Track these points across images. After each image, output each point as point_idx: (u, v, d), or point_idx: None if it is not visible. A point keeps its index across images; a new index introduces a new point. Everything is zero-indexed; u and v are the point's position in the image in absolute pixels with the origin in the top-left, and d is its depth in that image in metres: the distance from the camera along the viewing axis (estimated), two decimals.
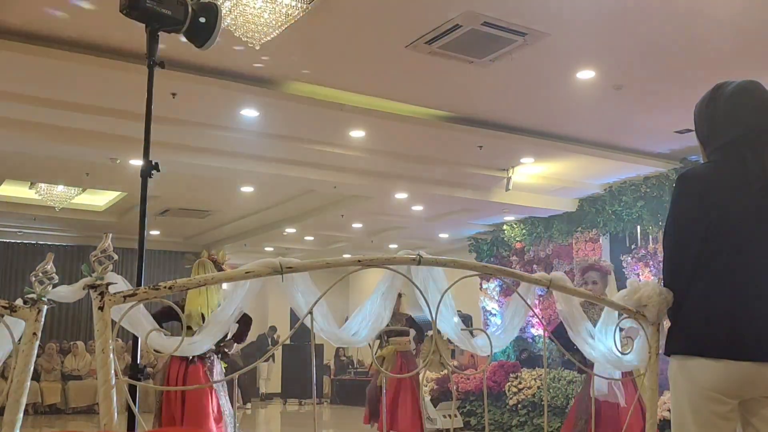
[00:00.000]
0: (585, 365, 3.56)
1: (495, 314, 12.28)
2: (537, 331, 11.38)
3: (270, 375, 16.26)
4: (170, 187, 9.97)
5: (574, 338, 2.80)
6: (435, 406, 10.07)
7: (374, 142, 8.16)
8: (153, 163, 2.51)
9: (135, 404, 2.27)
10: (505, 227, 12.42)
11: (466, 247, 13.42)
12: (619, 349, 2.73)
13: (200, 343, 2.51)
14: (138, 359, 2.50)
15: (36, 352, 2.02)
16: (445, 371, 10.18)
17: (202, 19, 2.69)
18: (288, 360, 15.09)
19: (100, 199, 11.98)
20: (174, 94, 6.45)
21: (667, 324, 2.47)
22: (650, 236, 9.77)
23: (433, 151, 8.50)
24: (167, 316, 4.44)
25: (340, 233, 13.83)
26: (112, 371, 2.01)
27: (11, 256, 14.65)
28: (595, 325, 2.84)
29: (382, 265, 2.47)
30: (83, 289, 2.06)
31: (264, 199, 11.17)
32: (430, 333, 10.95)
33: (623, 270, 9.99)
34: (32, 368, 2.01)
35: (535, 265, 11.62)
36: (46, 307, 2.02)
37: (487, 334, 2.82)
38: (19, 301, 2.00)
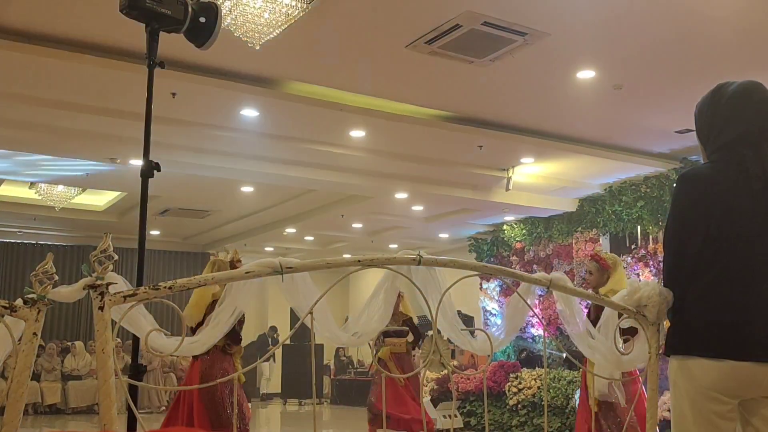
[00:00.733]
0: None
1: (495, 314, 12.28)
2: (537, 331, 11.37)
3: (271, 375, 16.26)
4: (170, 187, 9.97)
5: (573, 338, 2.80)
6: (435, 406, 10.06)
7: (374, 142, 8.16)
8: (153, 163, 2.51)
9: (135, 404, 2.26)
10: (505, 227, 12.42)
11: (466, 247, 13.42)
12: (619, 349, 2.73)
13: (200, 343, 2.51)
14: (138, 359, 2.50)
15: (36, 352, 2.02)
16: (445, 371, 10.18)
17: (202, 19, 2.69)
18: (288, 360, 15.09)
19: (100, 199, 11.98)
20: (174, 94, 6.45)
21: (667, 324, 2.47)
22: (650, 236, 9.77)
23: (433, 151, 8.50)
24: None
25: (340, 233, 13.83)
26: (112, 371, 2.01)
27: (11, 256, 14.65)
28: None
29: (382, 265, 2.47)
30: (83, 289, 2.06)
31: (264, 199, 11.17)
32: (430, 333, 10.95)
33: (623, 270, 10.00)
34: (32, 368, 2.00)
35: (535, 265, 11.62)
36: (46, 307, 2.02)
37: (487, 334, 2.82)
38: (19, 301, 2.00)
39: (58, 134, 7.42)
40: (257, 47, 5.09)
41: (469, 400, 10.38)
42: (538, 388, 9.56)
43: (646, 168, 9.34)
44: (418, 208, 11.34)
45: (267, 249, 15.47)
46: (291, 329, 2.68)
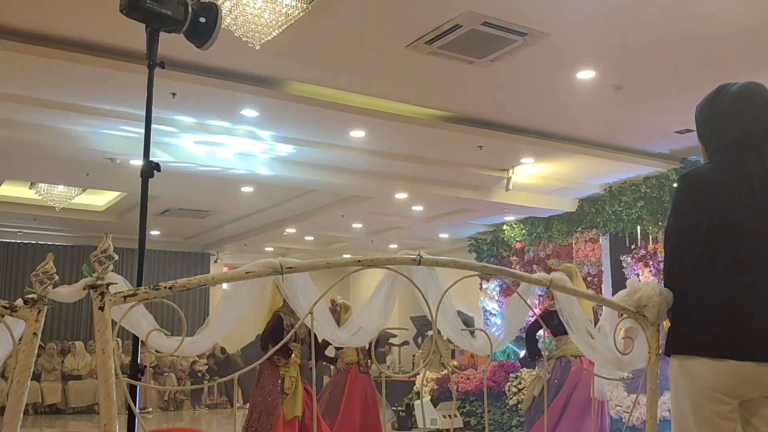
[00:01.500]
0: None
1: (495, 314, 12.28)
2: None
3: None
4: (170, 187, 9.96)
5: (573, 337, 2.80)
6: (435, 406, 10.06)
7: (374, 142, 8.16)
8: (153, 163, 2.51)
9: (135, 404, 2.27)
10: (505, 227, 12.42)
11: (466, 247, 13.42)
12: (619, 349, 2.73)
13: (200, 343, 2.51)
14: (138, 359, 2.51)
15: (36, 352, 2.02)
16: (445, 371, 10.19)
17: (202, 19, 2.69)
18: None
19: (100, 199, 11.98)
20: (174, 94, 6.45)
21: (667, 324, 2.47)
22: (650, 236, 9.77)
23: (433, 151, 8.50)
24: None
25: (340, 233, 13.82)
26: (113, 371, 2.01)
27: (11, 256, 14.65)
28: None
29: (382, 266, 2.47)
30: (83, 289, 2.06)
31: (264, 199, 11.17)
32: (430, 333, 10.96)
33: (623, 270, 10.00)
34: (32, 368, 2.01)
35: (535, 265, 11.62)
36: (46, 307, 2.02)
37: (487, 334, 2.82)
38: (19, 302, 2.00)
39: (58, 134, 7.41)
40: (257, 47, 5.09)
41: (469, 400, 10.37)
42: None
43: (646, 168, 9.34)
44: (418, 208, 11.34)
45: (267, 249, 15.46)
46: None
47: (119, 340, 10.99)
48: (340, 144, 8.15)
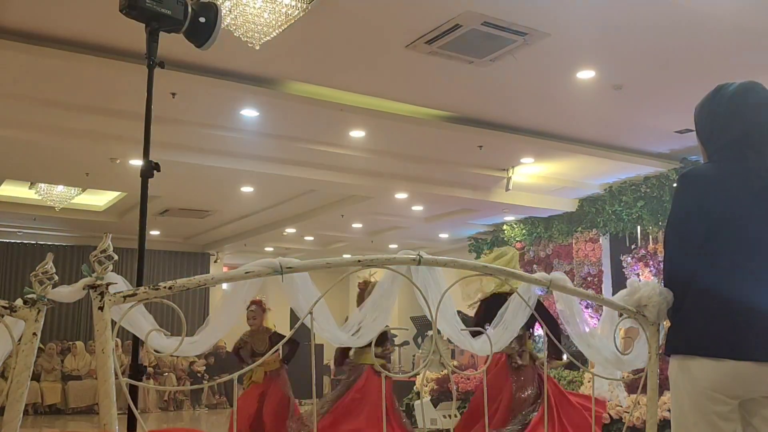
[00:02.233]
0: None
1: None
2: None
3: None
4: (170, 187, 9.96)
5: (573, 337, 2.80)
6: (435, 406, 10.06)
7: (374, 142, 8.16)
8: (153, 163, 2.51)
9: (135, 404, 2.26)
10: (505, 227, 12.41)
11: (466, 247, 13.41)
12: (619, 349, 2.73)
13: (200, 343, 2.51)
14: (138, 359, 2.50)
15: (36, 352, 2.02)
16: (445, 371, 10.18)
17: (202, 19, 2.69)
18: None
19: (100, 199, 11.97)
20: (174, 94, 6.45)
21: (667, 324, 2.47)
22: (650, 236, 9.77)
23: (433, 151, 8.50)
24: None
25: (340, 233, 13.82)
26: (112, 371, 2.01)
27: (11, 256, 14.65)
28: None
29: (382, 265, 2.47)
30: (83, 289, 2.06)
31: (264, 199, 11.17)
32: (429, 333, 10.95)
33: (623, 270, 10.00)
34: (32, 368, 2.00)
35: (535, 265, 11.61)
36: (45, 307, 2.02)
37: (487, 335, 2.82)
38: (19, 301, 2.00)
39: (58, 134, 7.41)
40: (257, 47, 5.09)
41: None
42: None
43: (646, 168, 9.34)
44: (418, 208, 11.34)
45: (267, 249, 15.46)
46: (291, 329, 2.68)
47: (119, 340, 11.02)
48: (340, 144, 8.15)
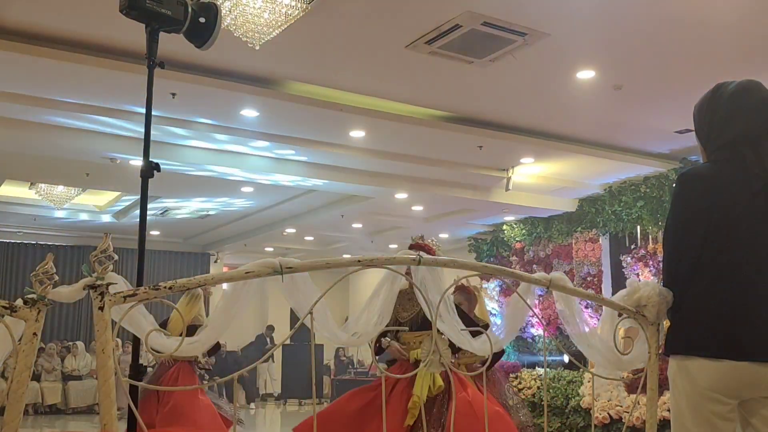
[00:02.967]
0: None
1: (495, 314, 12.28)
2: (537, 331, 11.38)
3: (275, 375, 16.18)
4: (170, 188, 9.96)
5: (573, 338, 2.80)
6: None
7: (374, 142, 8.16)
8: (153, 163, 2.51)
9: (135, 404, 2.26)
10: (505, 227, 12.41)
11: (466, 247, 13.41)
12: (619, 349, 2.73)
13: (200, 343, 2.51)
14: (138, 359, 2.50)
15: (36, 352, 2.02)
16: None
17: (202, 19, 2.69)
18: (288, 360, 15.09)
19: (100, 199, 11.97)
20: (174, 94, 6.45)
21: (666, 324, 2.47)
22: (650, 236, 9.77)
23: (433, 151, 8.50)
24: None
25: (340, 233, 13.82)
26: (113, 371, 2.01)
27: (11, 256, 14.65)
28: None
29: (382, 265, 2.47)
30: (83, 289, 2.06)
31: (264, 199, 11.17)
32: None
33: (623, 270, 10.00)
34: (32, 368, 2.00)
35: (535, 265, 11.61)
36: (46, 307, 2.02)
37: (487, 335, 2.82)
38: (19, 302, 2.00)
39: (58, 134, 7.41)
40: (257, 47, 5.09)
41: None
42: (538, 388, 9.55)
43: (646, 168, 9.34)
44: (418, 208, 11.34)
45: (267, 249, 15.46)
46: (291, 329, 2.68)
47: (119, 340, 11.01)
48: (340, 144, 8.15)
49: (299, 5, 4.91)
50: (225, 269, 16.04)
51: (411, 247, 4.71)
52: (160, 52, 2.63)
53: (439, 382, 4.33)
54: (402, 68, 6.24)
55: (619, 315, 2.66)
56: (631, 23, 5.37)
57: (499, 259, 12.59)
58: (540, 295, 2.96)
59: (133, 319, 2.23)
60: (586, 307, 8.99)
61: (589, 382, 8.72)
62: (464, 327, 2.76)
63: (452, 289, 2.67)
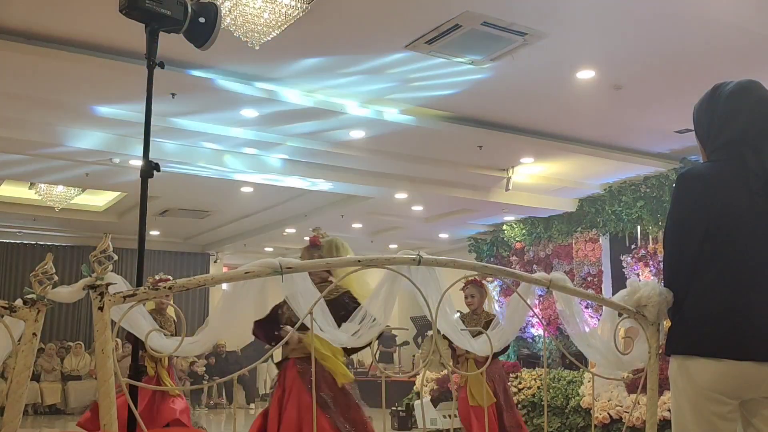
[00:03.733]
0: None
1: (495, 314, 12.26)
2: (537, 331, 11.37)
3: (274, 375, 16.19)
4: (170, 188, 9.96)
5: (573, 338, 2.80)
6: (435, 406, 10.06)
7: (374, 142, 8.16)
8: (153, 163, 2.51)
9: (135, 404, 2.26)
10: (504, 227, 12.41)
11: (466, 247, 13.41)
12: (619, 349, 2.73)
13: (199, 343, 2.51)
14: (138, 359, 2.50)
15: (35, 352, 2.02)
16: (445, 371, 10.18)
17: (202, 19, 2.69)
18: None
19: (100, 199, 11.97)
20: (174, 95, 6.45)
21: (667, 324, 2.47)
22: (650, 236, 9.77)
23: (433, 151, 8.50)
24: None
25: (340, 233, 13.79)
26: (112, 371, 2.01)
27: (11, 256, 14.64)
28: None
29: (382, 266, 2.47)
30: (83, 289, 2.06)
31: (264, 199, 11.17)
32: (430, 333, 10.95)
33: (623, 270, 10.00)
34: (32, 368, 2.00)
35: (535, 265, 11.61)
36: (45, 307, 2.02)
37: (487, 335, 2.81)
38: (18, 302, 2.00)
39: (58, 134, 7.41)
40: (257, 47, 5.09)
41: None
42: (538, 388, 9.55)
43: (645, 168, 9.34)
44: (418, 208, 11.33)
45: (267, 249, 15.46)
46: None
47: (119, 340, 11.01)
48: (340, 144, 8.15)
49: (299, 5, 4.91)
50: (225, 269, 16.04)
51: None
52: (160, 52, 2.63)
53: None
54: (402, 68, 6.23)
55: (620, 315, 2.66)
56: (631, 23, 5.37)
57: (499, 259, 12.58)
58: (540, 295, 2.95)
59: (132, 320, 2.23)
60: (586, 307, 8.99)
61: (589, 382, 8.72)
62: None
63: (453, 289, 2.66)
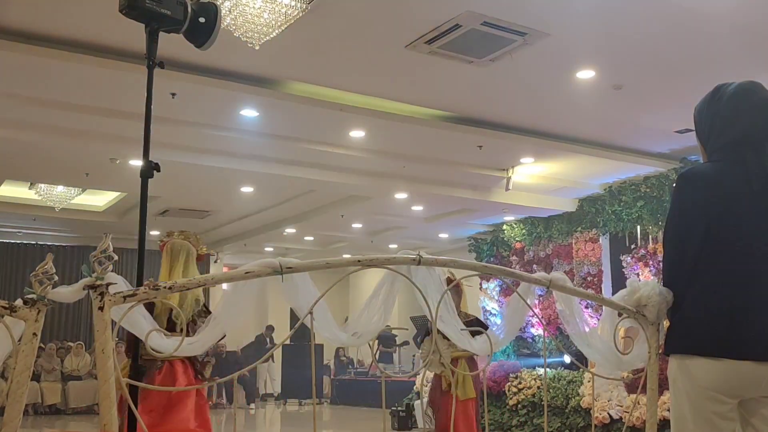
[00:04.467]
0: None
1: (495, 314, 12.28)
2: (537, 331, 11.38)
3: (275, 375, 16.17)
4: (170, 187, 9.96)
5: (573, 337, 2.80)
6: None
7: (374, 142, 8.16)
8: (153, 163, 2.51)
9: (135, 404, 2.26)
10: (505, 227, 12.42)
11: (466, 247, 13.42)
12: (619, 349, 2.73)
13: (200, 343, 2.51)
14: (138, 359, 2.50)
15: (36, 352, 2.02)
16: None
17: (202, 19, 2.69)
18: (288, 360, 15.09)
19: (100, 199, 11.97)
20: (174, 94, 6.45)
21: (666, 324, 2.47)
22: (650, 236, 9.77)
23: (433, 151, 8.50)
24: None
25: (340, 233, 13.82)
26: (113, 371, 2.01)
27: (11, 256, 14.65)
28: None
29: (382, 265, 2.47)
30: (83, 289, 2.06)
31: (264, 199, 11.17)
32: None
33: (623, 270, 10.00)
34: (32, 368, 2.00)
35: (535, 265, 11.61)
36: (45, 307, 2.02)
37: (487, 335, 2.82)
38: (19, 302, 2.00)
39: (58, 134, 7.41)
40: (257, 47, 5.09)
41: None
42: (538, 388, 9.56)
43: (645, 168, 9.34)
44: (418, 208, 11.34)
45: (267, 249, 15.46)
46: (291, 329, 2.68)
47: (117, 339, 10.99)
48: (340, 144, 8.15)
49: (299, 5, 4.91)
50: (225, 269, 16.04)
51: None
52: (160, 52, 2.63)
53: None
54: (402, 68, 6.24)
55: (619, 315, 2.66)
56: (631, 23, 5.37)
57: (499, 259, 12.59)
58: (540, 295, 2.96)
59: (132, 320, 2.23)
60: (586, 307, 8.99)
61: (589, 382, 8.72)
62: None
63: (454, 288, 2.67)
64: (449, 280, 6.06)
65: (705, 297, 2.25)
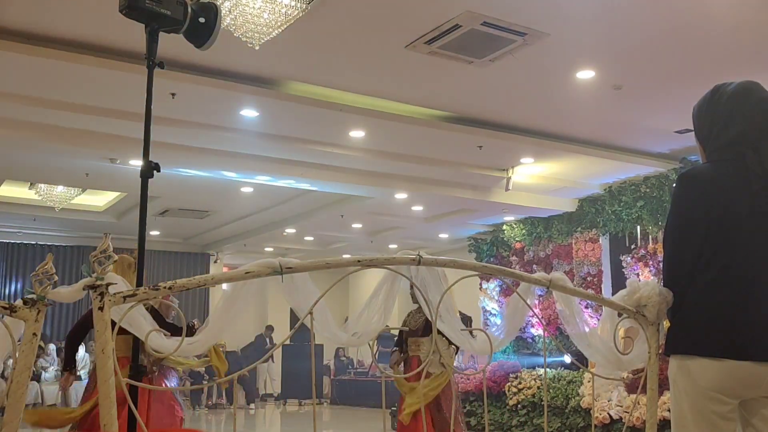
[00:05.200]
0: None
1: (495, 314, 12.28)
2: (537, 331, 11.38)
3: (275, 375, 16.19)
4: (170, 188, 9.96)
5: (573, 338, 2.80)
6: None
7: (374, 142, 8.16)
8: (153, 163, 2.51)
9: (135, 404, 2.26)
10: (504, 227, 12.42)
11: (466, 247, 13.42)
12: (619, 349, 2.73)
13: (200, 343, 2.51)
14: (138, 359, 2.50)
15: (36, 352, 2.02)
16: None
17: (202, 19, 2.69)
18: (288, 360, 15.09)
19: (100, 199, 11.98)
20: (174, 94, 6.45)
21: (666, 324, 2.47)
22: (650, 236, 9.77)
23: (433, 151, 8.50)
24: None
25: (340, 233, 13.82)
26: (112, 371, 2.01)
27: (11, 256, 14.65)
28: None
29: (381, 266, 2.47)
30: (83, 289, 2.06)
31: (264, 199, 11.17)
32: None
33: (623, 270, 10.00)
34: (32, 368, 2.00)
35: (535, 265, 11.62)
36: (46, 307, 2.02)
37: (487, 335, 2.82)
38: (19, 302, 2.00)
39: (58, 134, 7.41)
40: (257, 47, 5.09)
41: (469, 400, 10.37)
42: (538, 388, 9.55)
43: (645, 168, 9.35)
44: (418, 208, 11.34)
45: (267, 249, 15.46)
46: (291, 329, 2.68)
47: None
48: (340, 144, 8.15)
49: (299, 5, 4.91)
50: (225, 269, 16.05)
51: None
52: (160, 52, 2.63)
53: None
54: (402, 68, 6.24)
55: (619, 315, 2.66)
56: (631, 23, 5.37)
57: (499, 259, 12.59)
58: (540, 295, 2.95)
59: (132, 320, 2.23)
60: (586, 307, 9.00)
61: (589, 382, 8.72)
62: None
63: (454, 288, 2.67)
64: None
65: (705, 297, 2.25)
